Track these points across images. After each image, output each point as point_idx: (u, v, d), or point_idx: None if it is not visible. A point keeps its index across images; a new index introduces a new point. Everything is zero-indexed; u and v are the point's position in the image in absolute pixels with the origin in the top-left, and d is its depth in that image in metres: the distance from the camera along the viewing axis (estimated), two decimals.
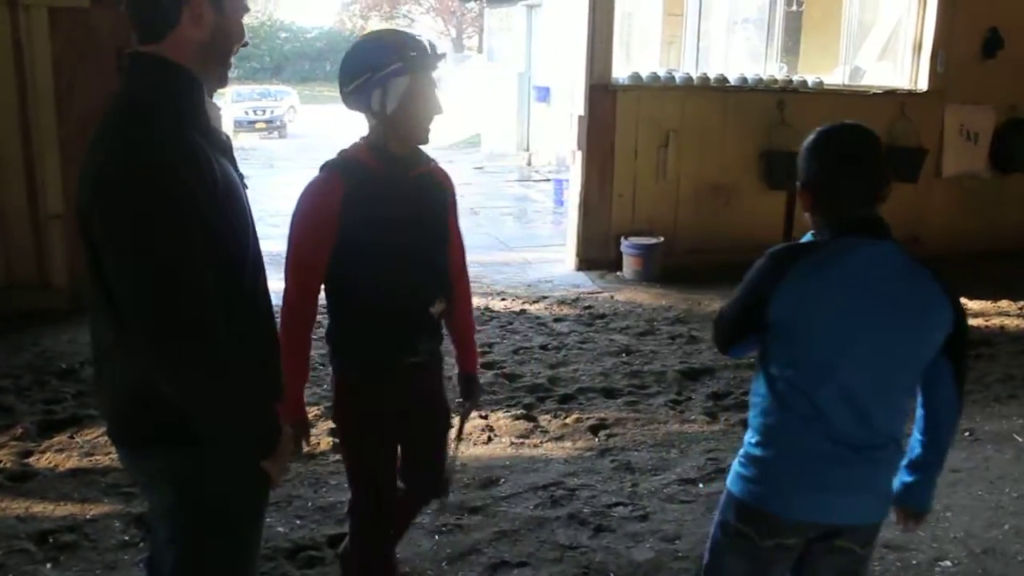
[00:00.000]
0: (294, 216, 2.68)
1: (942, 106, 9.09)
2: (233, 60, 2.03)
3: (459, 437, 3.31)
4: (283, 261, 2.70)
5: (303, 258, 2.68)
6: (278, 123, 26.68)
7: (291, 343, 2.59)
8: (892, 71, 9.50)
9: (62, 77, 6.29)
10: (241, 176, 2.06)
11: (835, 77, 9.82)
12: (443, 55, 2.72)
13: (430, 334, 2.87)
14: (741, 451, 2.34)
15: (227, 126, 24.93)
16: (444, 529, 3.91)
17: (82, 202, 1.84)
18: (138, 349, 1.82)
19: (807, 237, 2.31)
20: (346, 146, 2.76)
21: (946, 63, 8.96)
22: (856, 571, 2.32)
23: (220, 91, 2.08)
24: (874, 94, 9.04)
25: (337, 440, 2.99)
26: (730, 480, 2.36)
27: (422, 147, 2.80)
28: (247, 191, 2.07)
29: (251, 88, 31.07)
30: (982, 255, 8.79)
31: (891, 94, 9.04)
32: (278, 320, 2.25)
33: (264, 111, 26.98)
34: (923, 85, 9.10)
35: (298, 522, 3.91)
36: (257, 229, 2.09)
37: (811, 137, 2.27)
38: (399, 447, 2.98)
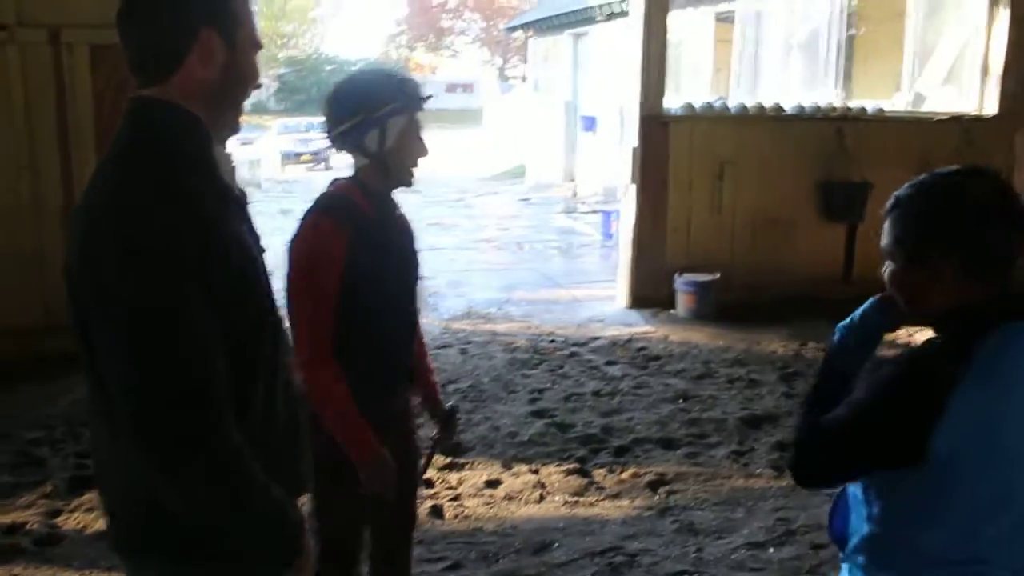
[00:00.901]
0: (295, 269, 2.48)
1: (1012, 130, 8.65)
2: (246, 104, 1.78)
3: (426, 468, 3.12)
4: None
5: (316, 312, 2.47)
6: (323, 155, 26.79)
7: (333, 395, 2.46)
8: (957, 96, 9.12)
9: (103, 115, 6.17)
10: (257, 238, 1.78)
11: (896, 103, 9.45)
12: (430, 96, 2.64)
13: (409, 376, 2.79)
14: None
15: (274, 159, 25.13)
16: None
17: (70, 264, 1.59)
18: (132, 447, 1.54)
19: (873, 305, 1.93)
20: (331, 186, 2.60)
21: (1017, 83, 8.55)
22: None
23: (232, 135, 1.82)
24: (938, 120, 8.66)
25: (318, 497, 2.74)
26: None
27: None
28: (264, 254, 1.78)
29: (297, 120, 31.36)
30: None
31: (957, 120, 8.64)
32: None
33: (310, 143, 27.13)
34: (991, 109, 8.68)
35: None
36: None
37: (961, 187, 1.77)
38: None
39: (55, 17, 6.14)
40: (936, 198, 1.76)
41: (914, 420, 1.68)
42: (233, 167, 1.78)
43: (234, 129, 1.78)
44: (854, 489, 1.88)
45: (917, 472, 1.70)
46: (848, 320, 1.96)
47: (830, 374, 1.92)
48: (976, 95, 8.84)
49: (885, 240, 1.82)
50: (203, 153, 1.67)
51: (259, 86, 1.78)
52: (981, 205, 1.72)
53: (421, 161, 2.58)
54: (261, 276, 1.72)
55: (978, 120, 8.67)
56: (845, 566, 1.94)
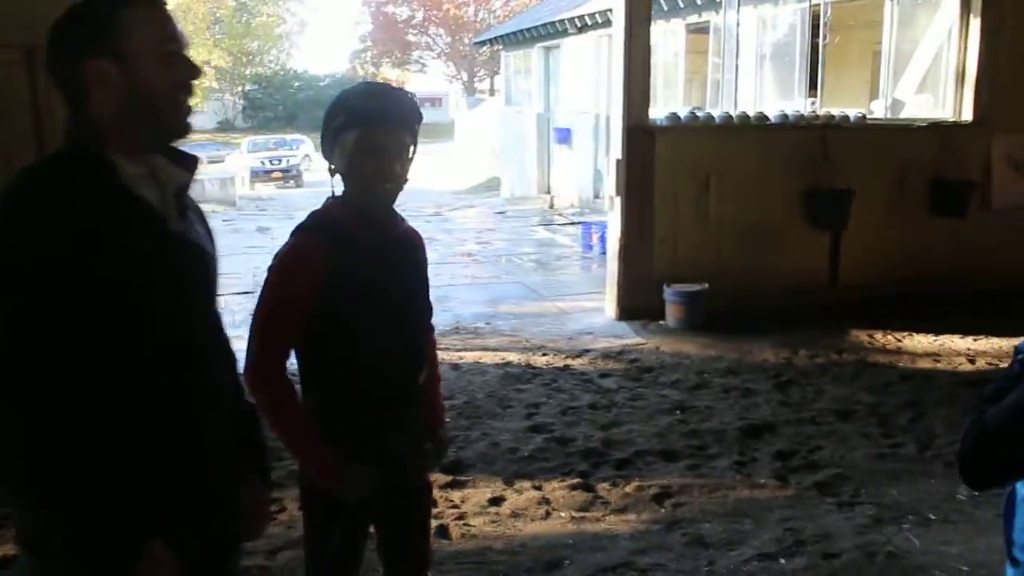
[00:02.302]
0: (264, 281, 2.39)
1: (988, 137, 8.73)
2: (186, 103, 1.79)
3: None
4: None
5: (268, 322, 2.38)
6: (294, 172, 26.68)
7: (279, 407, 2.35)
8: (933, 103, 9.20)
9: None
10: (199, 252, 1.87)
11: (875, 110, 9.53)
12: (404, 113, 2.39)
13: (416, 407, 2.62)
14: None
15: (244, 176, 24.94)
16: None
17: None
18: None
19: None
20: (319, 206, 2.50)
21: (991, 92, 8.64)
22: None
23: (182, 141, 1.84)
24: (918, 127, 8.73)
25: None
26: None
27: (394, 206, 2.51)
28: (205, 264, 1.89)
29: (266, 138, 31.22)
30: None
31: (936, 126, 8.72)
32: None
33: (280, 160, 27.02)
34: (967, 115, 8.77)
35: None
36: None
37: None
38: (377, 528, 2.73)
39: (29, 37, 6.00)
40: None
41: None
42: (183, 183, 1.74)
43: (171, 135, 1.80)
44: (1021, 488, 1.87)
45: None
46: None
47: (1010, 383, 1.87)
48: (952, 102, 8.93)
49: None
50: (107, 170, 1.71)
51: (196, 75, 1.78)
52: None
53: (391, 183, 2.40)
54: (157, 292, 1.73)
55: (956, 126, 8.76)
56: (1012, 571, 1.94)
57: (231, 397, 1.98)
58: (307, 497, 2.57)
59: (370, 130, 2.34)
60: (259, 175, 26.35)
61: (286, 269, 2.36)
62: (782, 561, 4.06)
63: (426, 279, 2.66)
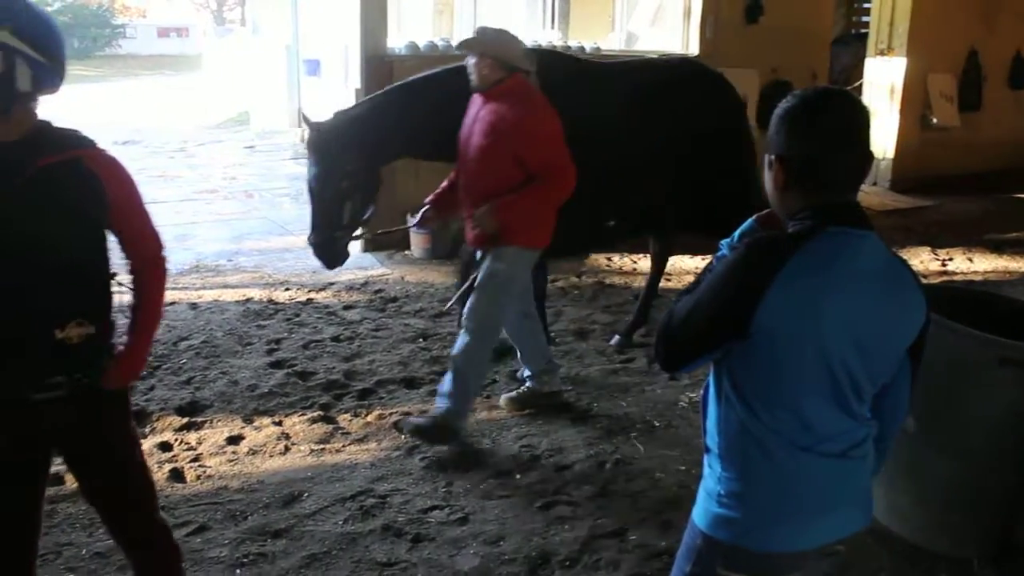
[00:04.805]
0: None
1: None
2: None
3: None
4: None
5: None
6: None
7: None
8: (663, 36, 9.62)
9: None
10: None
11: (610, 43, 9.84)
12: None
13: (65, 364, 2.37)
14: (713, 488, 2.04)
15: None
16: (245, 560, 3.49)
17: None
18: None
19: (749, 224, 2.11)
20: None
21: (714, 28, 9.14)
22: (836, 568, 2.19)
23: None
24: (649, 59, 9.10)
25: None
26: (707, 524, 2.04)
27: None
28: None
29: None
30: None
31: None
32: None
33: None
34: (694, 49, 9.25)
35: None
36: None
37: (793, 102, 1.95)
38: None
39: None
40: (790, 114, 1.98)
41: (745, 291, 1.86)
42: None
43: None
44: (712, 380, 2.05)
45: (745, 347, 1.89)
46: (729, 239, 2.12)
47: (703, 275, 2.05)
48: (680, 36, 9.37)
49: None
50: None
51: None
52: (819, 127, 1.93)
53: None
54: None
55: (684, 59, 9.19)
56: (707, 457, 2.10)
57: None
58: None
59: None
60: None
61: None
62: (518, 477, 4.22)
63: (86, 216, 2.38)
